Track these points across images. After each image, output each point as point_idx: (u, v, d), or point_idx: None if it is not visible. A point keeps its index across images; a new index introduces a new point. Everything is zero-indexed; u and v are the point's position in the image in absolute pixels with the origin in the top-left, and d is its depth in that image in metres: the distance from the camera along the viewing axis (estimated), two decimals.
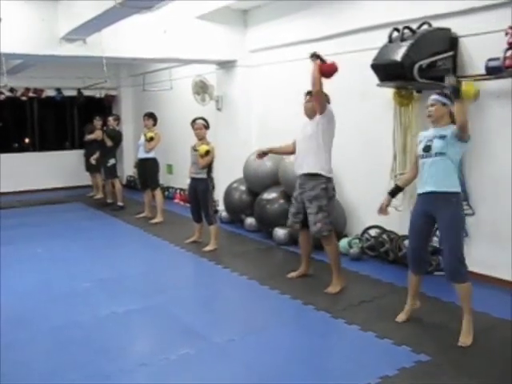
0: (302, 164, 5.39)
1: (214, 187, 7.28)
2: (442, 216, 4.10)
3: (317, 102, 5.22)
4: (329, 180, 5.34)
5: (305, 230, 5.60)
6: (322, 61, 5.10)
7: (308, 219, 5.38)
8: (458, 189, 4.15)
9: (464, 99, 4.03)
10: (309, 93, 5.38)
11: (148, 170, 9.13)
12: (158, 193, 9.15)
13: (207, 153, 6.86)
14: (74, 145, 13.86)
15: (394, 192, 4.58)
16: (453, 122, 4.11)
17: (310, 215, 5.33)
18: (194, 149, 7.08)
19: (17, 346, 4.21)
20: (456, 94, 3.94)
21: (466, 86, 4.52)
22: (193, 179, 7.16)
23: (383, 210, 4.58)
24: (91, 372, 3.76)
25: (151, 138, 8.83)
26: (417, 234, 4.35)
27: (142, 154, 9.10)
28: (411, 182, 4.49)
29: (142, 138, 9.05)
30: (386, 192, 6.08)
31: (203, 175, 7.02)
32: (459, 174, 4.45)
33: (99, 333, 4.49)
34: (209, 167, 7.04)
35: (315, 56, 5.13)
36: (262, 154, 5.96)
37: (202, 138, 7.12)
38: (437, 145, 4.10)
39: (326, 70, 5.13)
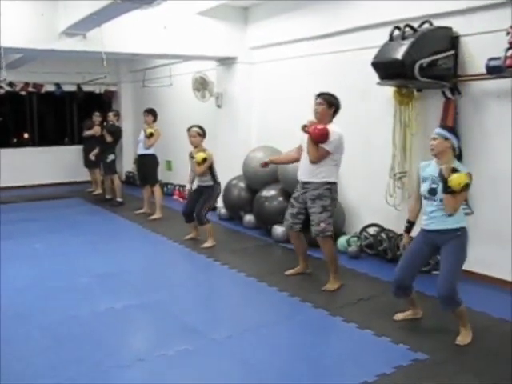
0: (306, 173, 5.36)
1: (219, 193, 7.30)
2: (447, 245, 4.07)
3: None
4: (333, 183, 5.34)
5: (299, 233, 5.61)
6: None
7: (310, 219, 5.36)
8: (463, 223, 4.11)
9: (455, 192, 3.96)
10: (319, 95, 5.35)
11: (147, 166, 9.13)
12: (157, 189, 9.14)
13: (204, 160, 6.86)
14: (74, 140, 13.83)
15: (408, 228, 4.45)
16: (457, 157, 4.12)
17: (313, 215, 5.30)
18: (191, 156, 7.08)
19: (15, 340, 4.21)
20: (445, 187, 3.91)
21: (456, 179, 3.96)
22: (200, 187, 7.18)
23: (406, 249, 4.46)
24: (89, 367, 3.77)
25: (151, 134, 8.82)
26: (414, 258, 4.27)
27: (142, 150, 9.10)
28: (419, 213, 4.40)
29: (142, 134, 9.03)
30: (384, 191, 6.17)
31: (210, 182, 7.05)
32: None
33: (97, 328, 4.49)
34: (212, 173, 7.04)
35: (304, 128, 5.22)
36: (265, 164, 5.95)
37: (196, 146, 7.12)
38: (442, 191, 4.00)
39: (316, 138, 5.15)
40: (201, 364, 3.83)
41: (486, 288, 5.29)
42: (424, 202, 4.20)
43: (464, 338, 4.06)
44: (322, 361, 3.95)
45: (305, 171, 5.37)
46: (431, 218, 4.13)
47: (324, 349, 4.19)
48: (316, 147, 5.18)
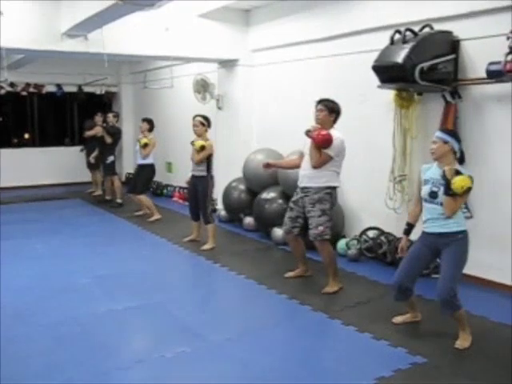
0: (307, 179, 5.36)
1: (213, 184, 7.28)
2: (448, 251, 4.07)
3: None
4: (333, 188, 5.36)
5: (297, 237, 5.61)
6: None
7: (308, 223, 5.37)
8: (464, 227, 4.12)
9: (457, 195, 3.95)
10: (320, 102, 5.36)
11: (141, 176, 9.14)
12: (142, 197, 9.12)
13: (202, 148, 6.86)
14: (74, 141, 13.86)
15: (408, 231, 4.44)
16: (459, 160, 4.13)
17: (312, 218, 5.30)
18: (193, 144, 7.07)
19: (15, 341, 4.21)
20: (447, 189, 3.91)
21: (459, 182, 3.96)
22: (193, 176, 7.16)
23: (404, 251, 4.45)
24: (88, 368, 3.77)
25: (145, 145, 8.82)
26: (415, 261, 4.27)
27: (139, 160, 9.12)
28: (419, 216, 4.40)
29: (138, 145, 9.07)
30: (384, 194, 6.17)
31: (203, 173, 7.02)
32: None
33: (97, 329, 4.49)
34: (208, 164, 7.03)
35: (307, 133, 5.23)
36: (268, 165, 5.96)
37: (200, 135, 7.11)
38: (442, 194, 4.02)
39: (320, 143, 5.15)
40: (199, 366, 3.83)
41: (486, 292, 5.29)
42: (424, 204, 4.20)
43: (463, 341, 4.06)
44: (321, 364, 3.95)
45: (306, 176, 5.37)
46: (432, 221, 4.13)
47: (323, 352, 4.20)
48: (319, 152, 5.19)
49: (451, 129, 4.30)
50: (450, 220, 4.04)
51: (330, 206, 5.32)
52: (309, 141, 5.27)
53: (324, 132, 5.16)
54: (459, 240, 4.07)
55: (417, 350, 4.01)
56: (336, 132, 5.27)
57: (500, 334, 4.37)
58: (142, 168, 9.13)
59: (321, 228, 5.26)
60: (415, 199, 4.45)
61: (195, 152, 6.96)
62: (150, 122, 9.09)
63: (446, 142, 4.07)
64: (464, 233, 4.11)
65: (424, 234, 4.25)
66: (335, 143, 5.18)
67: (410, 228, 4.44)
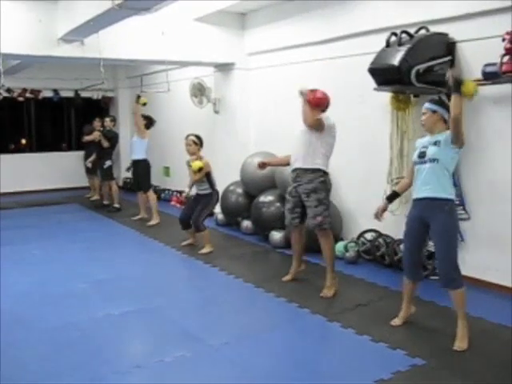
0: (298, 159, 5.37)
1: (218, 200, 7.31)
2: (435, 222, 4.10)
3: (314, 129, 5.24)
4: (326, 173, 5.36)
5: (299, 227, 5.60)
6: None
7: (306, 212, 5.37)
8: (451, 195, 4.16)
9: (462, 96, 4.02)
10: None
11: (139, 172, 9.16)
12: (151, 194, 9.15)
13: (200, 169, 6.89)
14: (71, 146, 13.86)
15: (391, 197, 4.59)
16: (448, 128, 4.12)
17: (309, 208, 5.31)
18: (189, 164, 7.10)
19: (13, 347, 4.20)
20: (457, 87, 3.91)
21: (468, 84, 4.54)
22: (198, 195, 7.21)
23: (379, 215, 4.58)
24: (86, 373, 3.76)
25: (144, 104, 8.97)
26: (412, 238, 4.35)
27: (135, 156, 9.14)
28: (408, 188, 4.48)
29: (135, 136, 9.10)
30: (382, 196, 6.16)
31: (208, 191, 7.08)
32: (455, 180, 4.47)
33: (95, 334, 4.48)
34: (209, 181, 7.06)
35: (301, 93, 5.26)
36: (263, 165, 5.98)
37: (192, 154, 7.13)
38: (430, 151, 4.11)
39: (315, 103, 5.19)
40: (198, 370, 3.82)
41: (485, 293, 5.29)
42: (415, 169, 4.26)
43: (461, 343, 4.06)
44: (320, 367, 3.94)
45: (298, 160, 5.37)
46: (420, 186, 4.17)
47: (322, 355, 4.19)
48: (313, 113, 5.19)
49: (438, 98, 4.39)
50: (438, 185, 4.08)
51: (326, 195, 5.34)
52: (300, 131, 5.35)
53: (319, 94, 5.19)
54: (445, 211, 4.10)
55: (416, 351, 4.01)
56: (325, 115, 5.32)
57: (499, 335, 4.36)
58: (137, 164, 9.14)
59: (319, 218, 5.27)
60: (408, 171, 4.58)
61: (192, 173, 6.97)
62: (147, 118, 9.13)
63: (434, 112, 4.18)
64: (451, 202, 4.14)
65: (413, 202, 4.30)
66: (326, 121, 5.22)
67: (393, 195, 4.61)
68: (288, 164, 5.73)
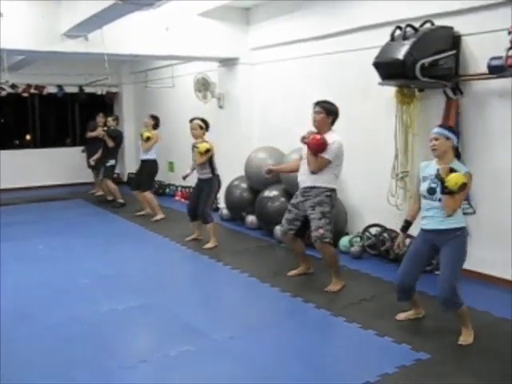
0: (307, 179, 5.34)
1: (220, 185, 7.30)
2: (446, 247, 4.06)
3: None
4: (333, 190, 5.32)
5: (296, 240, 5.61)
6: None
7: (310, 225, 5.33)
8: (463, 224, 4.10)
9: (453, 192, 3.91)
10: (317, 103, 5.33)
11: (144, 172, 9.16)
12: (148, 194, 9.11)
13: (207, 151, 6.86)
14: (75, 142, 13.88)
15: (405, 228, 4.45)
16: (456, 155, 4.10)
17: (313, 221, 5.28)
18: (195, 146, 7.08)
19: (17, 341, 4.22)
20: (442, 187, 3.90)
21: (453, 179, 3.90)
22: (199, 180, 7.18)
23: (400, 248, 4.51)
24: (91, 368, 3.77)
25: (148, 138, 8.82)
26: (414, 265, 4.27)
27: (142, 155, 9.14)
28: (418, 213, 4.40)
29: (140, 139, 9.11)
30: (386, 191, 6.17)
31: (209, 175, 7.05)
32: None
33: (100, 329, 4.49)
34: (211, 166, 7.03)
35: (303, 140, 5.27)
36: (270, 171, 5.95)
37: (197, 138, 7.13)
38: (440, 191, 4.00)
39: (313, 148, 5.17)
40: (203, 365, 3.83)
41: (488, 287, 5.28)
42: (423, 201, 4.19)
43: (466, 337, 4.06)
44: (325, 361, 3.95)
45: (305, 178, 5.36)
46: (430, 218, 4.12)
47: (327, 349, 4.19)
48: (315, 158, 5.18)
49: (450, 125, 4.31)
50: (450, 219, 4.02)
51: (330, 209, 5.29)
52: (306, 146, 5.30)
53: (318, 137, 5.16)
54: (457, 237, 4.06)
55: (420, 346, 4.00)
56: (334, 135, 5.25)
57: (502, 329, 4.36)
58: (144, 163, 9.14)
59: (321, 231, 5.23)
60: (414, 196, 4.46)
61: (198, 155, 6.95)
62: (155, 118, 9.12)
63: (448, 138, 4.06)
64: (462, 229, 4.09)
65: (422, 231, 4.24)
66: (332, 147, 5.16)
67: (407, 225, 4.44)
68: (294, 171, 5.68)
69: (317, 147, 5.15)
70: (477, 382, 3.53)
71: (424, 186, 4.14)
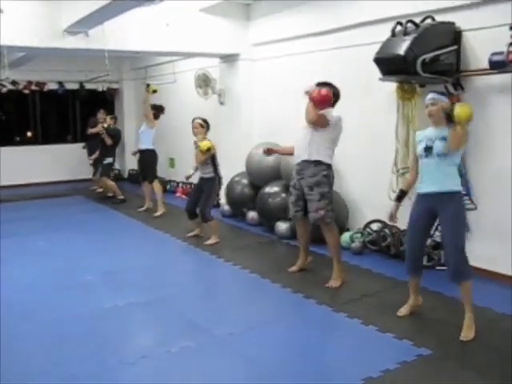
0: (303, 152, 5.35)
1: (220, 185, 7.30)
2: (445, 212, 4.09)
3: (317, 126, 5.23)
4: (329, 167, 5.33)
5: (304, 219, 5.59)
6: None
7: (307, 206, 5.36)
8: (459, 187, 4.16)
9: (459, 124, 3.96)
10: (318, 85, 5.34)
11: (146, 162, 9.21)
12: (156, 184, 9.18)
13: (208, 149, 6.86)
14: (76, 138, 13.88)
15: (399, 197, 4.51)
16: (449, 120, 4.10)
17: (312, 202, 5.29)
18: (196, 145, 7.08)
19: (19, 338, 4.22)
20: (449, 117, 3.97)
21: (460, 108, 4.01)
22: (201, 178, 7.17)
23: (393, 218, 4.57)
24: (93, 364, 3.78)
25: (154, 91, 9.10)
26: (418, 232, 4.35)
27: (142, 145, 9.19)
28: (414, 183, 4.44)
29: (143, 126, 9.15)
30: (387, 186, 6.16)
31: (211, 174, 7.04)
32: (461, 169, 4.45)
33: (101, 325, 4.50)
34: (214, 165, 7.03)
35: (306, 92, 5.26)
36: (269, 151, 5.98)
37: (198, 135, 7.13)
38: (438, 146, 4.08)
39: (318, 101, 5.15)
40: (204, 361, 3.83)
41: (489, 283, 5.28)
42: (421, 163, 4.24)
43: (467, 333, 4.06)
44: (326, 357, 3.96)
45: (302, 151, 5.35)
46: (428, 179, 4.16)
47: (328, 345, 4.20)
48: (315, 110, 5.18)
49: (445, 88, 4.40)
50: (447, 179, 4.07)
51: (329, 189, 5.32)
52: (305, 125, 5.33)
53: (323, 90, 5.16)
54: (456, 201, 4.11)
55: (422, 342, 4.01)
56: (333, 113, 5.31)
57: (504, 325, 4.35)
58: (144, 153, 9.22)
59: (321, 212, 5.26)
60: (412, 165, 4.52)
61: (199, 153, 6.95)
62: (157, 108, 9.27)
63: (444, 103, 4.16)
64: (459, 193, 4.15)
65: (419, 196, 4.29)
66: (331, 119, 5.22)
67: (402, 194, 4.52)
68: (293, 154, 5.72)
69: (321, 98, 5.14)
70: (478, 378, 3.53)
71: (420, 147, 4.21)
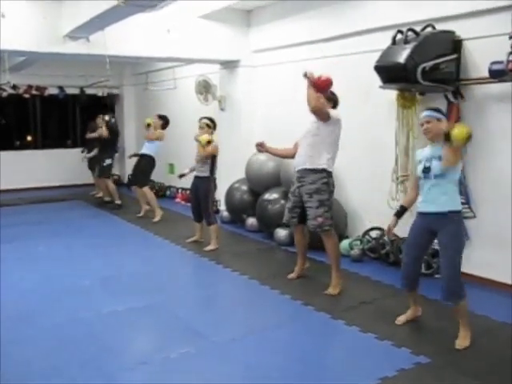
0: (304, 160, 5.36)
1: (215, 187, 7.28)
2: (443, 233, 4.08)
3: (317, 116, 5.24)
4: (329, 174, 5.34)
5: (300, 226, 5.60)
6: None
7: (306, 213, 5.36)
8: (459, 207, 4.15)
9: (455, 143, 3.95)
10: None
11: (140, 166, 9.24)
12: (147, 190, 9.18)
13: (209, 143, 6.85)
14: (76, 143, 13.88)
15: (399, 213, 4.48)
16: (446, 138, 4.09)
17: (310, 209, 5.30)
18: (197, 139, 7.04)
19: (18, 342, 4.22)
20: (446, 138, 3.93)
21: (459, 130, 3.96)
22: (196, 177, 7.16)
23: (390, 232, 4.57)
24: (92, 370, 3.77)
25: (149, 125, 9.05)
26: (416, 249, 4.33)
27: (143, 150, 9.21)
28: (415, 201, 4.43)
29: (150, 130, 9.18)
30: (387, 194, 6.17)
31: (205, 173, 7.02)
32: (460, 178, 4.45)
33: (100, 330, 4.50)
34: (212, 166, 7.03)
35: (305, 75, 5.24)
36: (261, 145, 5.94)
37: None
38: (435, 167, 4.06)
39: (319, 85, 5.15)
40: (203, 367, 3.83)
41: (487, 291, 5.29)
42: (421, 184, 4.23)
43: (462, 341, 4.06)
44: (325, 364, 3.95)
45: (302, 159, 5.36)
46: (428, 200, 4.15)
47: (326, 352, 4.20)
48: (318, 97, 5.17)
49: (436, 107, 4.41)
50: (447, 200, 4.06)
51: (329, 196, 5.32)
52: (307, 126, 5.36)
53: (325, 76, 5.16)
54: (455, 222, 4.10)
55: (420, 349, 4.01)
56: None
57: (502, 333, 4.36)
58: (141, 158, 9.24)
59: (320, 219, 5.26)
60: (413, 184, 4.52)
61: (200, 147, 6.94)
62: (163, 118, 9.27)
63: (439, 120, 4.14)
64: (459, 213, 4.14)
65: (419, 215, 4.28)
66: (332, 118, 5.23)
67: (402, 210, 4.49)
68: (289, 156, 5.73)
69: (321, 82, 5.15)
70: None
71: (419, 168, 4.20)
